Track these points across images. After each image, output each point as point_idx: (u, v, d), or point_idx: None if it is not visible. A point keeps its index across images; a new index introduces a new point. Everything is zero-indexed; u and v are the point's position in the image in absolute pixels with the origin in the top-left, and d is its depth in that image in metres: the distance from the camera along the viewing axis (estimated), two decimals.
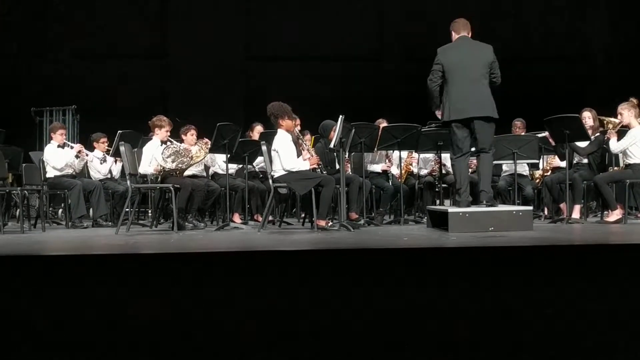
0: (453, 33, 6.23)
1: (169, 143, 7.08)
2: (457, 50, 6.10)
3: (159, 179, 6.95)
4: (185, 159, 6.98)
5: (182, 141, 7.41)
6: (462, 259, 3.78)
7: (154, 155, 6.94)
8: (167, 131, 7.20)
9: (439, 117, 6.24)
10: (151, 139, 7.29)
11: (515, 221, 5.75)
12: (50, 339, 3.31)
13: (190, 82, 12.09)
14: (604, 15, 13.01)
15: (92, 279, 3.49)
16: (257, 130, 8.31)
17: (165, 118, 7.29)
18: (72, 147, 8.04)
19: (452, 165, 6.21)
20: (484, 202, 5.94)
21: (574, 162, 7.43)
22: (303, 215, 7.84)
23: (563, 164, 7.33)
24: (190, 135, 7.48)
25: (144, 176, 7.19)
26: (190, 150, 7.16)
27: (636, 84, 11.62)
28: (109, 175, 8.54)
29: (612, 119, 7.08)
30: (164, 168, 6.88)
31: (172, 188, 6.61)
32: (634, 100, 7.07)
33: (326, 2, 12.61)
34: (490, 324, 3.42)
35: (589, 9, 13.08)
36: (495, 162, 6.92)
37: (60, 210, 8.67)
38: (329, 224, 6.46)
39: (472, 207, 5.94)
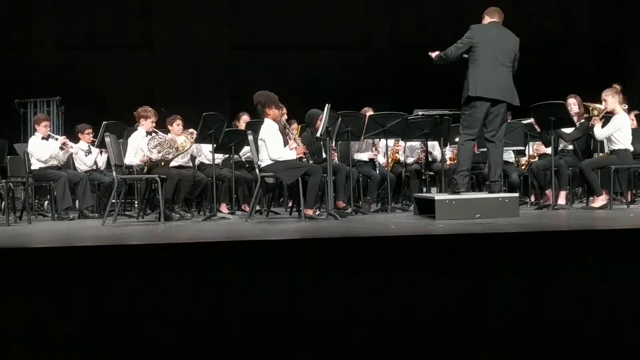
0: (486, 17, 6.29)
1: (154, 134, 7.05)
2: (492, 31, 6.17)
3: (145, 170, 6.92)
4: (171, 150, 6.95)
5: (168, 131, 7.38)
6: (449, 246, 3.80)
7: (140, 146, 6.91)
8: (152, 122, 7.15)
9: (433, 56, 6.26)
10: (136, 129, 7.25)
11: (501, 208, 5.79)
12: (36, 333, 3.30)
13: (176, 72, 12.03)
14: (584, 2, 13.07)
15: (79, 270, 3.47)
16: (244, 119, 8.30)
17: (150, 109, 7.24)
18: (56, 139, 7.99)
19: (460, 145, 6.21)
20: (497, 191, 6.02)
21: (559, 148, 7.47)
22: (290, 204, 7.83)
23: (549, 150, 7.37)
24: (177, 126, 7.46)
25: (130, 167, 7.16)
26: (176, 141, 7.13)
27: (618, 70, 11.72)
28: (94, 167, 8.51)
29: (598, 105, 7.11)
30: (150, 159, 6.85)
31: (158, 179, 6.59)
32: (617, 87, 7.11)
33: None
34: (478, 310, 3.44)
35: None
36: (481, 149, 6.95)
37: (46, 202, 8.63)
38: (317, 213, 6.47)
39: (460, 194, 5.96)
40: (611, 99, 6.96)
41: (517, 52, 6.20)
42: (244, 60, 12.43)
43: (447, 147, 8.09)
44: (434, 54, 6.30)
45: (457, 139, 6.53)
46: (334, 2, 12.67)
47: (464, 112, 6.13)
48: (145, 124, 7.12)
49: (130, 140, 7.08)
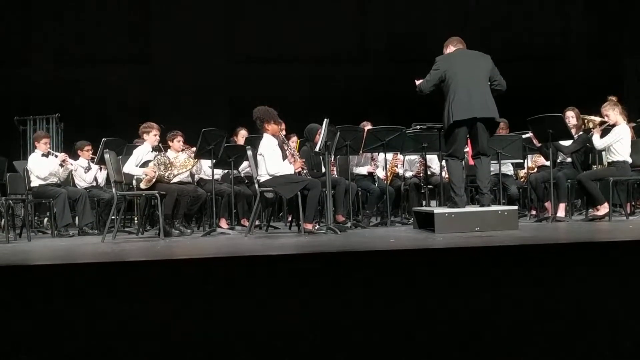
0: (450, 47, 6.26)
1: (161, 152, 7.05)
2: (458, 57, 6.14)
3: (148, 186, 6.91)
4: (174, 170, 6.98)
5: (168, 147, 7.38)
6: (448, 260, 3.80)
7: (144, 159, 6.93)
8: (155, 135, 7.17)
9: (417, 83, 6.24)
10: (136, 146, 7.27)
11: (500, 221, 5.79)
12: (37, 350, 3.29)
13: (174, 87, 12.06)
14: (582, 14, 13.14)
15: (79, 287, 3.47)
16: (242, 135, 8.32)
17: (151, 123, 7.27)
18: (56, 156, 8.00)
19: (447, 162, 6.22)
20: (487, 205, 6.00)
21: (558, 161, 7.48)
22: (290, 219, 7.83)
23: (547, 162, 7.38)
24: (177, 142, 7.45)
25: (129, 182, 7.15)
26: (180, 161, 7.13)
27: (616, 81, 11.75)
28: (94, 183, 8.51)
29: (593, 118, 7.13)
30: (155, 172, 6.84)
31: (157, 195, 6.59)
32: (614, 99, 7.11)
33: (309, 3, 12.61)
34: (477, 323, 3.43)
35: (567, 6, 13.19)
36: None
37: (46, 219, 8.62)
38: (316, 227, 6.46)
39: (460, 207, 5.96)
40: (612, 112, 6.95)
41: (493, 68, 6.11)
42: (242, 75, 12.44)
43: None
44: (418, 82, 6.30)
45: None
46: (332, 15, 12.71)
47: (445, 136, 6.15)
48: (149, 138, 7.14)
49: (135, 151, 7.10)
